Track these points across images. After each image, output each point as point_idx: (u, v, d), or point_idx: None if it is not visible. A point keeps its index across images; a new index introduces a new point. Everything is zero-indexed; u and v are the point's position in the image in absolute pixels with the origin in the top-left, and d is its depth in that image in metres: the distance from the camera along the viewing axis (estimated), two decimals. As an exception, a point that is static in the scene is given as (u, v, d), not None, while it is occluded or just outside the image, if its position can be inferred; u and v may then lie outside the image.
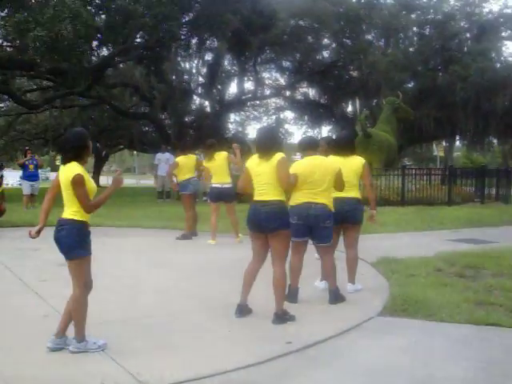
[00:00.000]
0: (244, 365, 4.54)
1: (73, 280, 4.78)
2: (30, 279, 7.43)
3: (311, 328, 5.52)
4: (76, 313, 4.78)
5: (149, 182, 43.74)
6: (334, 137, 7.45)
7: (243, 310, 5.85)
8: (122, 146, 48.30)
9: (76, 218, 4.67)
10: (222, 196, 10.91)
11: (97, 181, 46.00)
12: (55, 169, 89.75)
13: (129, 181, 62.44)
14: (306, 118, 37.84)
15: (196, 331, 5.42)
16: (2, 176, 21.90)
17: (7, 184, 24.55)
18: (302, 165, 6.45)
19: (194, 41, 26.81)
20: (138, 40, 24.85)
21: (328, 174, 6.30)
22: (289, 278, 6.17)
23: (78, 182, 4.58)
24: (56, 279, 7.08)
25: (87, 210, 4.64)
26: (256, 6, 23.79)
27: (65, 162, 4.75)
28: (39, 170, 19.38)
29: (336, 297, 6.46)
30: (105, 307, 6.11)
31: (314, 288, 7.07)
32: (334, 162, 6.62)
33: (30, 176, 17.78)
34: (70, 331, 4.87)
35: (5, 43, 23.31)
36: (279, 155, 5.69)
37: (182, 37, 25.18)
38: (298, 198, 6.37)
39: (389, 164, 19.75)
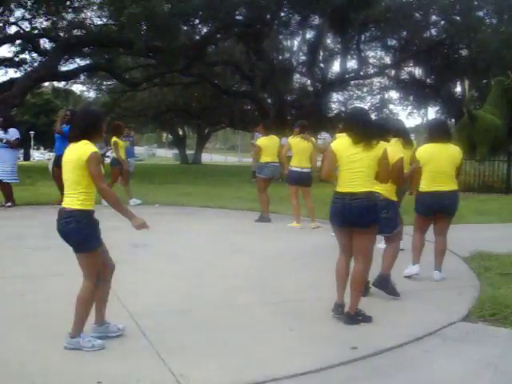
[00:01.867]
0: (299, 372, 4.10)
1: (83, 271, 4.38)
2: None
3: (382, 331, 4.99)
4: (82, 306, 4.35)
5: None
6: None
7: (341, 310, 5.26)
8: (223, 125, 48.65)
9: (85, 207, 4.26)
10: (300, 180, 10.56)
11: (199, 159, 46.71)
12: (161, 145, 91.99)
13: (231, 159, 63.09)
14: (411, 98, 36.64)
15: (256, 328, 5.01)
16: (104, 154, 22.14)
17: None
18: None
19: (294, 18, 26.25)
20: (238, 18, 24.61)
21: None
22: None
23: (95, 159, 4.18)
24: (130, 262, 6.95)
25: (100, 191, 4.22)
26: (358, -20, 22.89)
27: (74, 140, 4.32)
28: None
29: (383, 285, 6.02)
30: (166, 295, 5.86)
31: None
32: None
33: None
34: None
35: (110, 22, 23.70)
36: (383, 146, 5.12)
37: (282, 14, 24.69)
38: None
39: (496, 149, 18.53)
